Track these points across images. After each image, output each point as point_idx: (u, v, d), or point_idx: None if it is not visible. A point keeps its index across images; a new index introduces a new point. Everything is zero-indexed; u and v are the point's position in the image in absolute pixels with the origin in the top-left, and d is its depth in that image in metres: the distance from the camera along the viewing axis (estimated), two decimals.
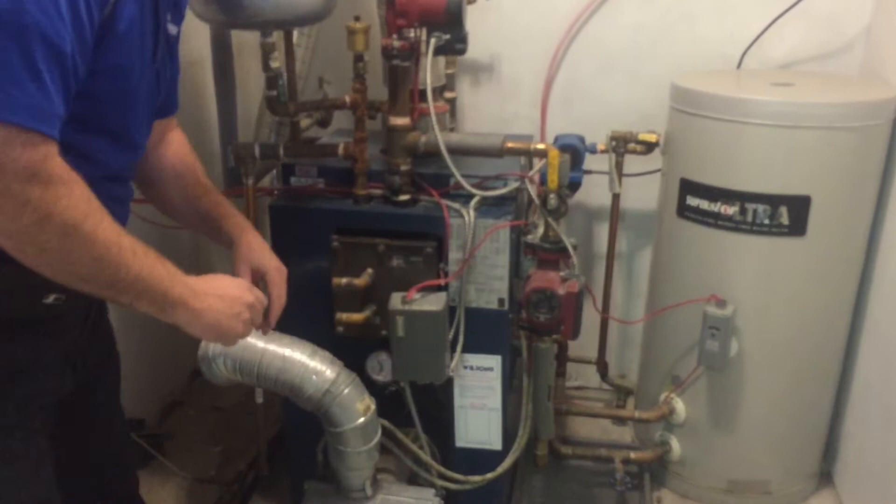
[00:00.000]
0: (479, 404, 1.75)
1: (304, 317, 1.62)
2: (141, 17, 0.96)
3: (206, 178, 1.25)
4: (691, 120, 1.82)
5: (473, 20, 1.73)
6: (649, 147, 1.96)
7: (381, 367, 1.69)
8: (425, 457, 1.74)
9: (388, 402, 1.70)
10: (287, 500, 1.94)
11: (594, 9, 2.15)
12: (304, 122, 1.81)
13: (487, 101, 2.28)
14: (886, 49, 1.94)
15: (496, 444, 1.78)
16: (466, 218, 1.59)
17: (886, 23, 1.95)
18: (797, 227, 1.75)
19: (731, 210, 1.78)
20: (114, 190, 1.06)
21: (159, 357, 2.26)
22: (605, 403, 2.45)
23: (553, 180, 1.57)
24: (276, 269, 1.22)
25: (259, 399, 1.91)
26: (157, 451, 2.14)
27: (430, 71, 1.56)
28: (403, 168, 1.63)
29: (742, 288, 1.83)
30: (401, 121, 1.62)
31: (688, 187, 1.85)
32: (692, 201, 1.84)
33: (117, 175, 1.06)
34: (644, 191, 2.16)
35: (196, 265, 2.42)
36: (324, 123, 1.90)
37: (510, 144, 1.63)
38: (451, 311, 1.65)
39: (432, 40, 1.57)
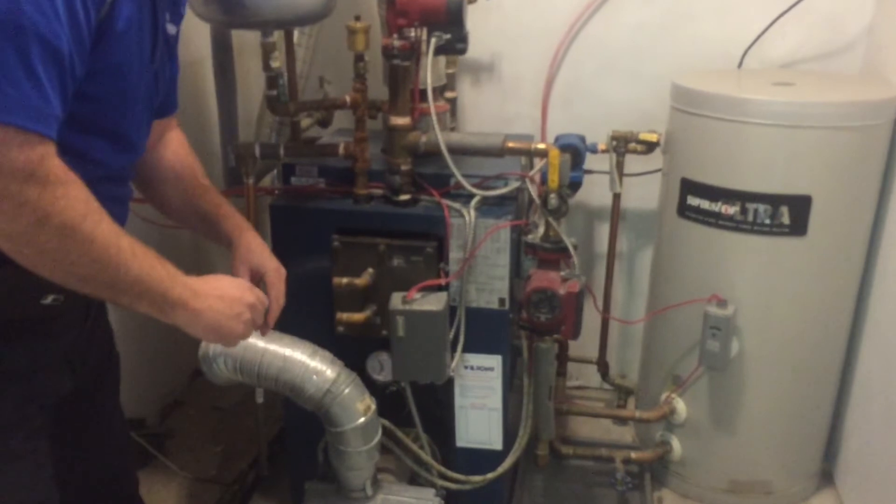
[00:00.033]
0: (479, 404, 1.75)
1: (304, 317, 1.62)
2: (139, 17, 0.96)
3: (206, 179, 1.25)
4: (692, 119, 1.82)
5: (474, 20, 1.73)
6: (650, 147, 1.96)
7: (382, 366, 1.69)
8: (426, 457, 1.74)
9: (389, 401, 1.70)
10: (288, 500, 1.94)
11: (595, 8, 2.15)
12: (305, 121, 1.81)
13: (488, 101, 2.28)
14: (887, 48, 1.94)
15: (497, 444, 1.78)
16: (467, 218, 1.59)
17: (887, 22, 1.95)
18: (798, 226, 1.75)
19: (731, 210, 1.77)
20: (113, 190, 1.05)
21: (160, 357, 2.26)
22: (605, 403, 2.45)
23: (554, 180, 1.57)
24: (274, 270, 1.22)
25: (260, 399, 1.91)
26: (158, 450, 2.14)
27: (431, 70, 1.56)
28: (404, 168, 1.63)
29: (743, 288, 1.83)
30: (401, 120, 1.62)
31: (688, 187, 1.85)
32: (693, 201, 1.84)
33: (116, 175, 1.06)
34: (645, 190, 2.16)
35: (196, 265, 2.41)
36: (324, 123, 1.90)
37: (511, 144, 1.63)
38: (452, 310, 1.65)
39: (433, 40, 1.57)
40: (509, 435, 1.79)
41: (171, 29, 1.09)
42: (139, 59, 0.99)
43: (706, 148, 1.81)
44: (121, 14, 0.91)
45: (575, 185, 1.80)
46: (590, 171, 1.97)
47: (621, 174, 2.00)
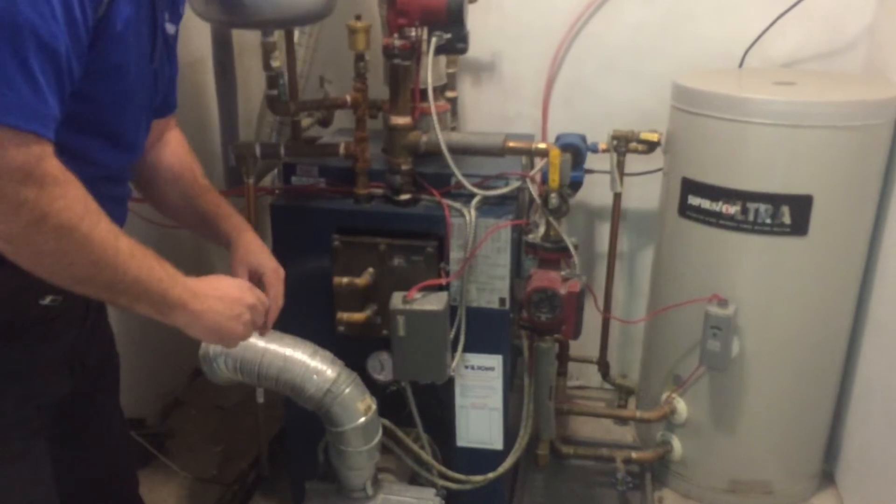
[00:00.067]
0: (480, 404, 1.75)
1: (305, 316, 1.62)
2: (137, 17, 0.95)
3: (205, 179, 1.25)
4: (693, 119, 1.82)
5: (474, 19, 1.73)
6: (651, 146, 1.96)
7: (382, 366, 1.69)
8: (426, 456, 1.74)
9: (389, 401, 1.69)
10: (288, 500, 1.94)
11: (595, 8, 2.15)
12: (305, 121, 1.81)
13: (489, 101, 2.28)
14: (889, 48, 1.94)
15: (497, 444, 1.78)
16: (467, 217, 1.59)
17: (889, 21, 1.95)
18: (799, 226, 1.75)
19: (732, 209, 1.77)
20: (111, 190, 1.05)
21: (160, 356, 2.26)
22: (606, 403, 2.45)
23: (554, 179, 1.57)
24: (273, 271, 1.21)
25: (260, 399, 1.91)
26: (159, 450, 2.14)
27: (431, 70, 1.56)
28: (404, 167, 1.63)
29: (744, 288, 1.83)
30: (402, 120, 1.61)
31: (689, 187, 1.85)
32: (694, 201, 1.84)
33: (115, 175, 1.06)
34: (645, 190, 2.16)
35: (197, 265, 2.41)
36: (325, 123, 1.90)
37: (511, 144, 1.63)
38: (452, 310, 1.65)
39: (433, 39, 1.57)
40: (510, 435, 1.79)
41: (170, 28, 1.09)
42: (138, 60, 0.99)
43: (707, 147, 1.81)
44: (119, 14, 0.90)
45: (576, 185, 1.80)
46: (590, 171, 1.96)
47: (622, 174, 2.00)
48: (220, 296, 1.01)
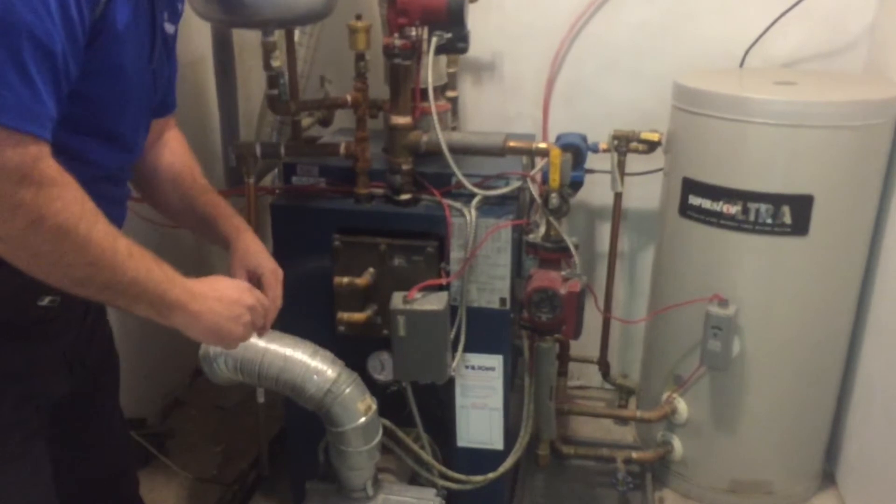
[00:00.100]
0: (480, 404, 1.75)
1: (305, 316, 1.62)
2: (135, 17, 0.95)
3: (204, 179, 1.24)
4: (694, 119, 1.82)
5: (475, 19, 1.73)
6: (651, 146, 1.96)
7: (383, 366, 1.69)
8: (427, 457, 1.73)
9: (390, 401, 1.69)
10: (288, 500, 1.94)
11: (596, 7, 2.14)
12: (306, 121, 1.81)
13: (489, 100, 2.28)
14: (890, 47, 1.93)
15: (498, 444, 1.78)
16: (468, 217, 1.59)
17: (890, 21, 1.95)
18: (800, 226, 1.74)
19: (733, 209, 1.77)
20: (110, 190, 1.05)
21: (161, 356, 2.26)
22: (606, 403, 2.45)
23: (555, 179, 1.57)
24: (271, 272, 1.21)
25: (260, 399, 1.91)
26: (159, 450, 2.14)
27: (432, 70, 1.56)
28: (405, 167, 1.63)
29: (744, 287, 1.83)
30: (402, 120, 1.61)
31: (690, 186, 1.85)
32: (694, 200, 1.84)
33: (113, 176, 1.05)
34: (646, 190, 2.16)
35: (197, 265, 2.41)
36: (325, 122, 1.90)
37: (512, 143, 1.62)
38: (453, 310, 1.64)
39: (434, 39, 1.57)
40: (510, 435, 1.79)
41: (169, 28, 1.09)
42: (136, 60, 0.98)
43: (708, 147, 1.80)
44: (117, 14, 0.90)
45: (576, 185, 1.80)
46: (591, 171, 1.96)
47: (623, 173, 2.00)
48: (219, 297, 1.01)
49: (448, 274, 1.63)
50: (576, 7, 2.15)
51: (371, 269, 1.64)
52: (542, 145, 1.61)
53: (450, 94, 1.99)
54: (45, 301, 0.98)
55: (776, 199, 1.73)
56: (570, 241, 1.63)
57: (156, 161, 1.21)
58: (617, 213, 2.10)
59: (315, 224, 1.67)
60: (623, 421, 2.33)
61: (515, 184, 1.65)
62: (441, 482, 1.74)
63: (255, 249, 1.22)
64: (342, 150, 1.65)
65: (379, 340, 1.68)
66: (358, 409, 1.51)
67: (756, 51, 2.07)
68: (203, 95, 2.28)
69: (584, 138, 1.88)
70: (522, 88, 2.25)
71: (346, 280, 1.63)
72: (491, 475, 1.76)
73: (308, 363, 1.47)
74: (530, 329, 1.73)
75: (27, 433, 1.03)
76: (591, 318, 1.91)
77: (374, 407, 1.54)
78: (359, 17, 1.56)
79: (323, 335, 1.58)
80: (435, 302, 1.59)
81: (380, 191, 1.67)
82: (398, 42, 1.53)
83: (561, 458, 2.10)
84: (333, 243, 1.65)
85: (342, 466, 1.56)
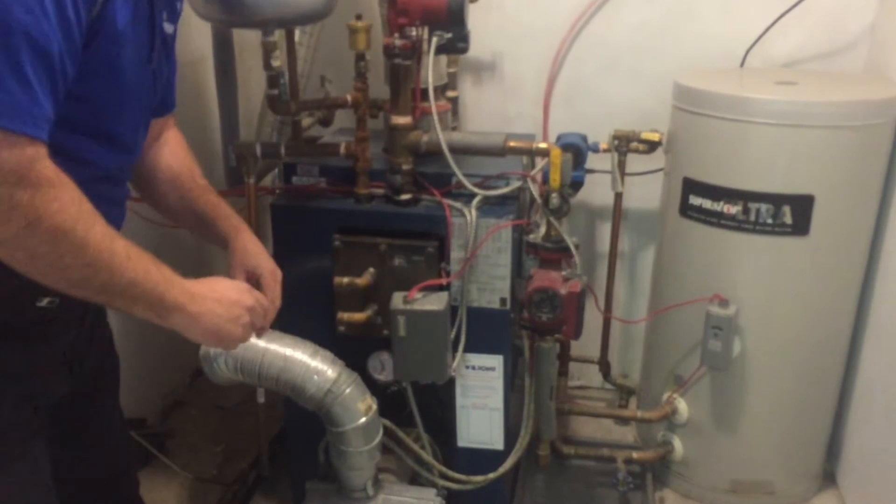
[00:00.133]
0: (480, 404, 1.75)
1: (305, 316, 1.62)
2: (134, 17, 0.94)
3: (203, 178, 1.24)
4: (694, 119, 1.82)
5: (475, 18, 1.73)
6: (652, 146, 1.96)
7: (383, 366, 1.69)
8: (427, 457, 1.73)
9: (390, 401, 1.69)
10: (289, 500, 1.94)
11: (597, 7, 2.14)
12: (306, 121, 1.81)
13: (490, 100, 2.28)
14: (890, 47, 1.93)
15: (498, 444, 1.78)
16: (468, 217, 1.59)
17: (890, 21, 1.94)
18: (800, 226, 1.74)
19: (734, 209, 1.77)
20: (109, 191, 1.05)
21: (161, 356, 2.26)
22: (607, 403, 2.45)
23: (555, 179, 1.57)
24: (270, 272, 1.21)
25: (261, 399, 1.91)
26: (159, 450, 2.14)
27: (432, 69, 1.56)
28: (405, 167, 1.63)
29: (745, 288, 1.83)
30: (402, 120, 1.61)
31: (691, 186, 1.85)
32: (695, 200, 1.84)
33: (112, 176, 1.05)
34: (647, 190, 2.15)
35: (198, 264, 2.41)
36: (325, 122, 1.90)
37: (512, 143, 1.62)
38: (453, 310, 1.64)
39: (434, 39, 1.57)
40: (510, 435, 1.79)
41: (168, 28, 1.08)
42: (136, 60, 0.98)
43: (708, 147, 1.80)
44: (115, 14, 0.90)
45: (576, 185, 1.80)
46: (591, 171, 1.96)
47: (623, 173, 2.00)
48: (218, 298, 1.01)
49: (448, 274, 1.63)
50: (576, 7, 2.14)
51: (371, 269, 1.64)
52: (543, 145, 1.61)
53: (450, 94, 1.99)
54: (44, 302, 0.98)
55: (777, 200, 1.73)
56: (570, 242, 1.63)
57: (155, 161, 1.20)
58: (617, 213, 2.10)
59: (315, 224, 1.67)
60: (623, 421, 2.33)
61: (516, 184, 1.65)
62: (441, 482, 1.74)
63: (254, 249, 1.21)
64: (342, 150, 1.65)
65: (379, 340, 1.68)
66: (358, 409, 1.50)
67: (756, 51, 2.07)
68: (203, 95, 2.28)
69: (584, 138, 1.88)
70: (523, 88, 2.25)
71: (346, 280, 1.63)
72: (491, 475, 1.76)
73: (308, 363, 1.47)
74: (531, 329, 1.73)
75: (27, 433, 1.03)
76: (592, 318, 1.91)
77: (375, 407, 1.54)
78: (359, 17, 1.56)
79: (323, 335, 1.58)
80: (435, 302, 1.59)
81: (380, 191, 1.67)
82: (398, 42, 1.53)
83: (561, 459, 2.10)
84: (334, 243, 1.65)
85: (342, 466, 1.56)
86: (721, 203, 1.78)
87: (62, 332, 1.06)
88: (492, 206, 1.64)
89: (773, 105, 1.70)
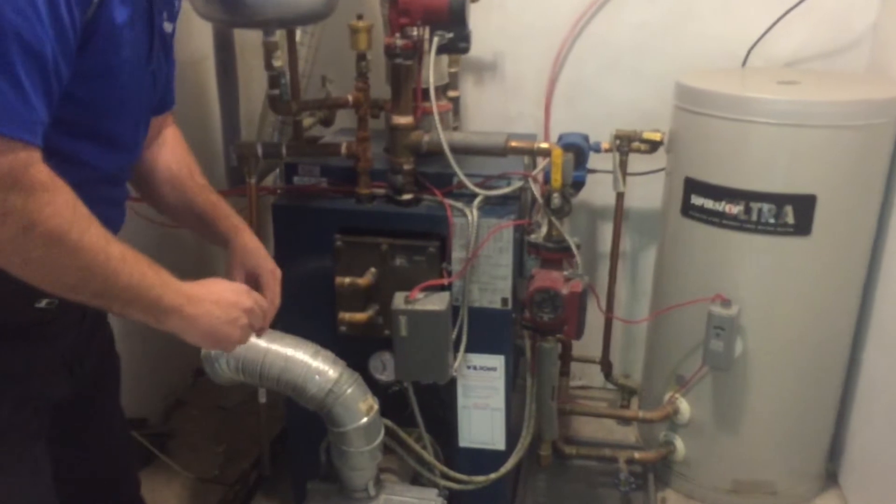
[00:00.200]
0: (482, 404, 1.75)
1: (306, 317, 1.62)
2: (132, 18, 0.94)
3: (202, 177, 1.23)
4: (696, 119, 1.81)
5: (476, 18, 1.72)
6: (653, 146, 1.96)
7: (384, 366, 1.69)
8: (428, 457, 1.73)
9: (391, 401, 1.69)
10: (290, 500, 1.94)
11: (598, 7, 2.14)
12: (307, 121, 1.81)
13: (491, 100, 2.28)
14: (893, 46, 1.93)
15: (499, 444, 1.78)
16: (470, 217, 1.59)
17: (893, 20, 1.94)
18: (802, 226, 1.74)
19: (735, 209, 1.77)
20: (109, 192, 1.04)
21: (162, 356, 2.26)
22: (608, 403, 2.45)
23: (557, 179, 1.57)
24: (270, 272, 1.20)
25: (262, 399, 1.91)
26: (161, 450, 2.14)
27: (433, 69, 1.56)
28: (406, 167, 1.63)
29: (747, 288, 1.82)
30: (404, 120, 1.61)
31: (692, 186, 1.84)
32: (697, 200, 1.83)
33: (111, 177, 1.04)
34: (648, 190, 2.15)
35: (199, 264, 2.41)
36: (327, 122, 1.90)
37: (514, 143, 1.62)
38: (455, 310, 1.64)
39: (435, 39, 1.57)
40: (512, 435, 1.79)
41: (167, 27, 1.08)
42: (135, 61, 0.97)
43: (710, 147, 1.80)
44: (112, 14, 0.89)
45: (578, 185, 1.80)
46: (593, 171, 1.96)
47: (625, 173, 1.99)
48: (215, 300, 1.00)
49: (450, 274, 1.63)
50: (577, 7, 2.14)
51: (372, 270, 1.64)
52: (544, 145, 1.60)
53: (451, 93, 1.99)
54: (43, 303, 0.97)
55: (779, 199, 1.73)
56: (571, 241, 1.63)
57: (153, 159, 1.19)
58: (619, 212, 2.10)
59: (316, 224, 1.66)
60: (625, 421, 2.33)
61: (517, 184, 1.65)
62: (443, 482, 1.74)
63: (254, 249, 1.21)
64: (343, 150, 1.65)
65: (380, 341, 1.68)
66: (360, 409, 1.50)
67: (758, 50, 2.07)
68: (204, 95, 2.28)
69: (585, 138, 1.88)
70: (524, 88, 2.25)
71: (347, 280, 1.63)
72: (493, 475, 1.76)
73: (310, 363, 1.47)
74: (532, 329, 1.73)
75: (27, 434, 1.03)
76: (593, 318, 1.91)
77: (376, 407, 1.54)
78: (360, 17, 1.56)
79: (324, 335, 1.58)
80: (437, 302, 1.59)
81: (381, 191, 1.67)
82: (400, 42, 1.53)
83: (563, 459, 2.10)
84: (335, 243, 1.65)
85: (344, 467, 1.56)
86: (723, 203, 1.78)
87: (62, 333, 1.06)
88: (493, 206, 1.63)
89: (775, 105, 1.70)
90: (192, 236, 2.29)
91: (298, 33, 1.78)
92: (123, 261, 0.88)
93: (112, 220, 0.90)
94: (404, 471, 1.75)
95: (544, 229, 1.65)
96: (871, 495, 1.91)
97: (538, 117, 2.25)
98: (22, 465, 1.02)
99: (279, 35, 1.60)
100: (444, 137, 1.58)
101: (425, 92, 1.59)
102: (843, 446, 2.07)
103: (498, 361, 1.70)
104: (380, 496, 1.61)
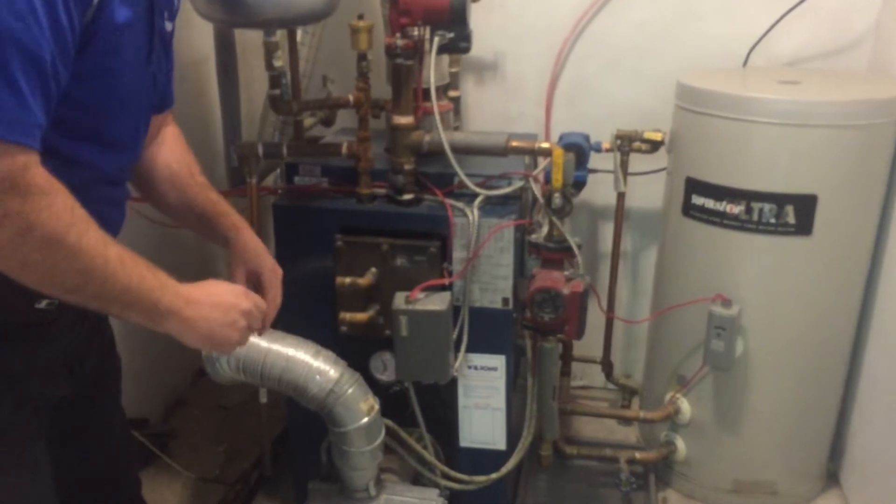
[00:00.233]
0: (483, 404, 1.75)
1: (307, 316, 1.62)
2: (132, 19, 0.93)
3: (202, 176, 1.23)
4: (697, 118, 1.81)
5: (477, 18, 1.72)
6: (654, 146, 1.95)
7: (385, 366, 1.69)
8: (429, 457, 1.73)
9: (392, 401, 1.69)
10: (291, 500, 1.94)
11: (599, 6, 2.14)
12: (308, 121, 1.81)
13: (492, 100, 2.28)
14: (895, 45, 1.93)
15: (500, 444, 1.78)
16: (470, 217, 1.59)
17: (894, 19, 1.94)
18: (803, 226, 1.74)
19: (736, 209, 1.76)
20: (109, 192, 1.04)
21: (163, 356, 2.26)
22: (609, 403, 2.45)
23: (557, 179, 1.56)
24: (271, 271, 1.20)
25: (263, 399, 1.91)
26: (161, 450, 2.14)
27: (434, 69, 1.56)
28: (407, 167, 1.63)
29: (748, 287, 1.82)
30: (404, 120, 1.61)
31: (693, 186, 1.84)
32: (698, 200, 1.83)
33: (111, 178, 1.04)
34: (649, 190, 2.15)
35: (200, 264, 2.42)
36: (327, 122, 1.90)
37: (514, 143, 1.62)
38: (455, 310, 1.64)
39: (436, 39, 1.57)
40: (513, 435, 1.79)
41: (167, 27, 1.08)
42: (134, 62, 0.97)
43: (711, 147, 1.80)
44: (112, 16, 0.89)
45: (579, 185, 1.80)
46: (594, 171, 1.96)
47: (626, 173, 1.99)
48: (214, 302, 1.00)
49: (450, 274, 1.63)
50: (578, 6, 2.14)
51: (373, 270, 1.64)
52: (545, 145, 1.60)
53: (452, 93, 1.99)
54: (43, 304, 0.97)
55: (780, 199, 1.73)
56: (572, 241, 1.63)
57: (153, 158, 1.19)
58: (620, 212, 2.10)
59: (317, 224, 1.67)
60: (626, 421, 2.33)
61: (518, 184, 1.65)
62: (444, 482, 1.74)
63: (255, 247, 1.21)
64: (344, 150, 1.65)
65: (381, 341, 1.68)
66: (360, 409, 1.50)
67: (759, 50, 2.06)
68: (205, 95, 2.28)
69: (586, 138, 1.87)
70: (525, 88, 2.25)
71: (348, 280, 1.63)
72: (494, 475, 1.76)
73: (311, 363, 1.47)
74: (533, 329, 1.73)
75: (27, 434, 1.03)
76: (594, 318, 1.91)
77: (377, 407, 1.54)
78: (361, 17, 1.56)
79: (325, 335, 1.58)
80: (437, 302, 1.59)
81: (382, 191, 1.67)
82: (400, 42, 1.53)
83: (564, 459, 2.10)
84: (336, 243, 1.65)
85: (345, 467, 1.56)
86: (724, 203, 1.78)
87: (61, 333, 1.06)
88: (494, 206, 1.63)
89: (777, 104, 1.70)
90: (192, 236, 2.30)
91: (299, 33, 1.78)
92: (122, 263, 0.88)
93: (112, 220, 0.90)
94: (405, 471, 1.75)
95: (545, 229, 1.65)
96: (871, 495, 1.91)
97: (539, 117, 2.25)
98: (22, 466, 1.02)
99: (280, 35, 1.60)
100: (445, 137, 1.58)
101: (426, 92, 1.59)
102: (844, 446, 2.07)
103: (499, 361, 1.70)
104: (381, 496, 1.61)
